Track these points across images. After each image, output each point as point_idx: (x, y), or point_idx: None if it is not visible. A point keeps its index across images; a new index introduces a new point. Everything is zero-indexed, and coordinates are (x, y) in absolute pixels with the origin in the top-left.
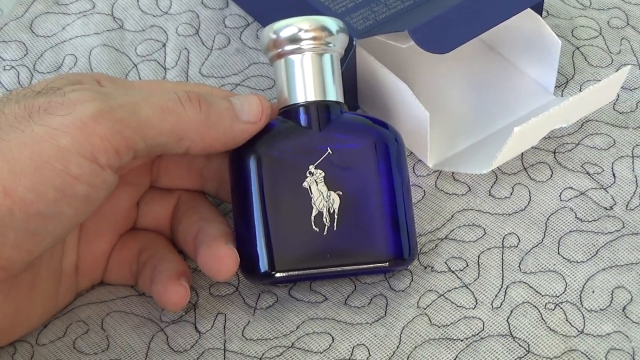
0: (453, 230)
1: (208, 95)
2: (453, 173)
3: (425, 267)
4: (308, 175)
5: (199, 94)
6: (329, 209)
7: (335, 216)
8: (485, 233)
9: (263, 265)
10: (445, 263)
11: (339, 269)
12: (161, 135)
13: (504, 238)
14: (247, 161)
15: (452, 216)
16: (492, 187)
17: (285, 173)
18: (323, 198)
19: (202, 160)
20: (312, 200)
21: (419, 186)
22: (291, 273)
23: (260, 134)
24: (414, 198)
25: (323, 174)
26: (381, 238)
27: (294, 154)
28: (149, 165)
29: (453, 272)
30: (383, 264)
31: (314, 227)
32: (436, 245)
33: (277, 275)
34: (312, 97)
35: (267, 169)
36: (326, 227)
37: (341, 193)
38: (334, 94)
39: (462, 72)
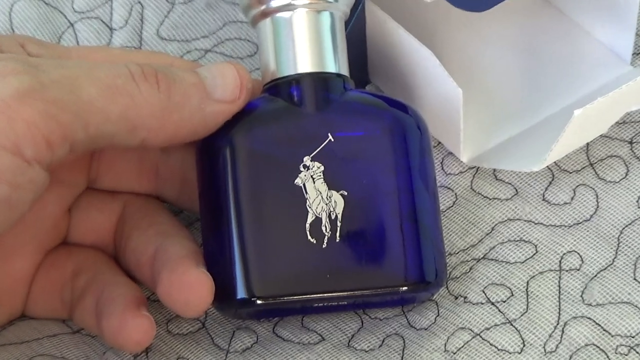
0: (494, 247)
1: (168, 68)
2: (495, 170)
3: (456, 297)
4: (302, 169)
5: (156, 68)
6: (329, 213)
7: (338, 223)
8: (536, 251)
9: (240, 289)
10: (483, 292)
11: (341, 294)
12: (108, 122)
13: (561, 258)
14: (221, 154)
15: (493, 228)
16: (546, 189)
17: (272, 168)
18: (322, 199)
19: (157, 154)
20: (308, 203)
21: (449, 188)
22: (278, 300)
23: (239, 117)
24: (443, 204)
25: (322, 168)
26: (398, 255)
27: (283, 142)
28: (86, 158)
29: (493, 304)
30: (400, 289)
31: (309, 237)
32: (471, 268)
33: (259, 302)
34: (306, 67)
35: (247, 164)
36: (326, 237)
37: (346, 193)
38: (335, 64)
39: (508, 34)
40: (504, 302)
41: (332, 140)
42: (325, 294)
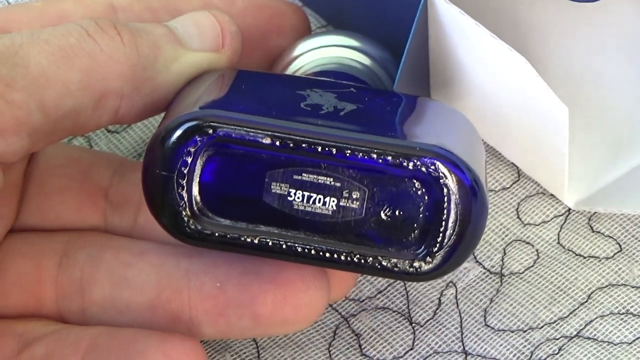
0: (591, 321)
1: (125, 22)
2: (590, 219)
3: None
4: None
5: (113, 20)
6: (335, 106)
7: (345, 109)
8: None
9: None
10: None
11: (336, 142)
12: (68, 95)
13: None
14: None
15: (590, 297)
16: None
17: None
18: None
19: (108, 171)
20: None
21: (528, 242)
22: (233, 126)
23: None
24: (520, 263)
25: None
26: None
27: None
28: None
29: None
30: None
31: (302, 105)
32: (560, 349)
33: (209, 123)
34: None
35: None
36: (325, 111)
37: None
38: None
39: (625, 33)
40: None
41: (354, 90)
42: (309, 133)
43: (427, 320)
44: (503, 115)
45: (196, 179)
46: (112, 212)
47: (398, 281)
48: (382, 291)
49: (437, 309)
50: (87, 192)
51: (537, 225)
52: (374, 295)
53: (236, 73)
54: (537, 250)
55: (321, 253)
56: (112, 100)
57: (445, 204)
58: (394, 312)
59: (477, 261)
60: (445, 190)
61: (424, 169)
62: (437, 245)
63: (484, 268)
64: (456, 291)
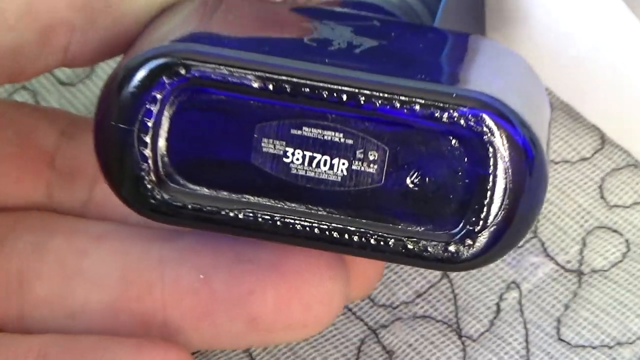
0: None
1: None
2: None
3: None
4: None
5: None
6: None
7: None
8: None
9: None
10: None
11: (348, 88)
12: (7, 28)
13: None
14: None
15: None
16: None
17: None
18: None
19: (53, 133)
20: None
21: (616, 231)
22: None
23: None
24: (604, 256)
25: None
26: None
27: None
28: None
29: None
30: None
31: (305, 40)
32: None
33: (181, 60)
34: None
35: None
36: (336, 47)
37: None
38: None
39: None
40: None
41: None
42: (312, 74)
43: (482, 333)
44: (583, 63)
45: (163, 135)
46: (61, 185)
47: (443, 282)
48: (421, 294)
49: (494, 318)
50: (27, 160)
51: (626, 207)
52: (412, 300)
53: None
54: (626, 241)
55: (327, 233)
56: (60, 35)
57: (491, 168)
58: (437, 322)
59: (547, 255)
60: (491, 150)
61: (462, 121)
62: (480, 223)
63: (557, 264)
64: (520, 294)
